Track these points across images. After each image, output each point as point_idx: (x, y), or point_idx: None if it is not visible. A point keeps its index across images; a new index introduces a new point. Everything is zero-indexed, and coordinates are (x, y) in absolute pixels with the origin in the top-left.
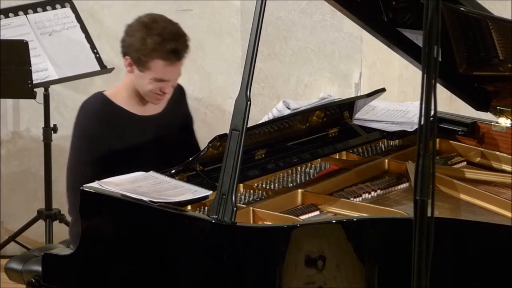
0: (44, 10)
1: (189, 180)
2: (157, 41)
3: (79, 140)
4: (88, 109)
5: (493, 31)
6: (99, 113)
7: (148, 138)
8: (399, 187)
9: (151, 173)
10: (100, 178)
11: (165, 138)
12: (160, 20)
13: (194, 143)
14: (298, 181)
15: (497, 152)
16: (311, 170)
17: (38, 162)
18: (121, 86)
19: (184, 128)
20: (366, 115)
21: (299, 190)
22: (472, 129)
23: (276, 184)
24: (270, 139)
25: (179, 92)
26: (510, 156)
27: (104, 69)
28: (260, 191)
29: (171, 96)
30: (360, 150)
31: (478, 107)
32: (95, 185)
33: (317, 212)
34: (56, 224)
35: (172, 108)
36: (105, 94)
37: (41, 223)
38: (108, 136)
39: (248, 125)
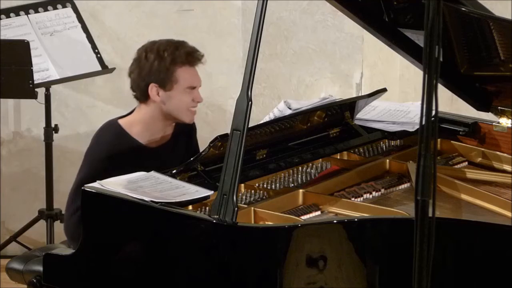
0: (45, 10)
1: (190, 180)
2: (173, 50)
3: (88, 166)
4: (102, 140)
5: (494, 31)
6: (112, 146)
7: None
8: (400, 187)
9: (152, 173)
10: None
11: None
12: (157, 40)
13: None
14: (299, 181)
15: (498, 152)
16: (312, 170)
17: (39, 162)
18: (136, 117)
19: (189, 142)
20: (367, 115)
21: (300, 190)
22: (473, 129)
23: (277, 184)
24: (271, 139)
25: (191, 128)
26: (511, 156)
27: (105, 69)
28: (261, 191)
29: (179, 128)
30: (361, 150)
31: (479, 107)
32: (96, 185)
33: (318, 212)
34: (57, 224)
35: (180, 132)
36: (122, 126)
37: (42, 223)
38: (118, 167)
39: (249, 125)
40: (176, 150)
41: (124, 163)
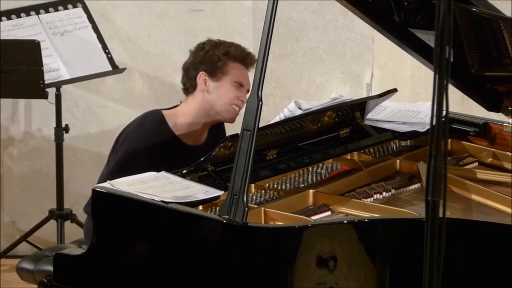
0: (56, 10)
1: (200, 180)
2: (230, 45)
3: (124, 153)
4: (142, 129)
5: (505, 31)
6: (152, 137)
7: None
8: (410, 187)
9: (163, 173)
10: None
11: None
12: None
13: None
14: (310, 181)
15: (508, 153)
16: (322, 171)
17: (50, 162)
18: (181, 110)
19: None
20: (377, 115)
21: (311, 191)
22: (484, 130)
23: (288, 185)
24: (281, 140)
25: (220, 124)
26: None
27: (115, 69)
28: (272, 191)
29: (211, 128)
30: (371, 150)
31: (489, 108)
32: (107, 185)
33: (329, 213)
34: (67, 224)
35: (214, 138)
36: (164, 117)
37: (52, 223)
38: (153, 161)
39: (260, 125)
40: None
41: (158, 153)
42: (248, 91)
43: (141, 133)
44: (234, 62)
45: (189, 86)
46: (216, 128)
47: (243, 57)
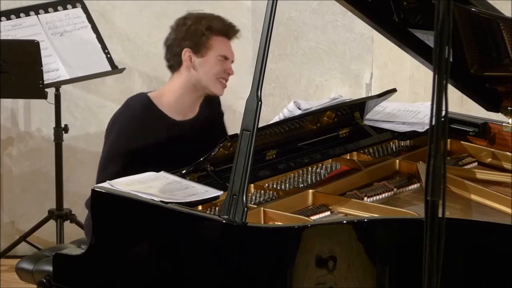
0: (55, 10)
1: (199, 180)
2: (211, 19)
3: (116, 137)
4: (130, 110)
5: (504, 31)
6: (140, 116)
7: (184, 142)
8: (410, 187)
9: (162, 173)
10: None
11: (199, 141)
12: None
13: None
14: (309, 181)
15: (508, 153)
16: (322, 171)
17: (49, 162)
18: (167, 88)
19: (217, 128)
20: (377, 115)
21: (310, 191)
22: (483, 130)
23: (287, 185)
24: (281, 140)
25: (218, 112)
26: None
27: (115, 69)
28: (271, 192)
29: (206, 107)
30: (371, 150)
31: (489, 108)
32: (106, 185)
33: (328, 213)
34: (67, 224)
35: (207, 110)
36: (150, 97)
37: (52, 223)
38: (145, 139)
39: (259, 126)
40: (200, 128)
41: (150, 132)
42: (232, 61)
43: (129, 116)
44: (218, 36)
45: (174, 63)
46: (209, 101)
47: (226, 30)
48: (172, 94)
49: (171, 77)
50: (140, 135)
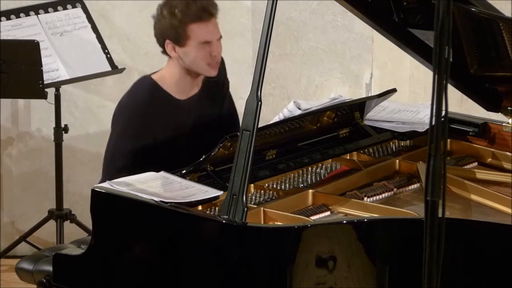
0: (55, 10)
1: (199, 180)
2: (183, 8)
3: (124, 124)
4: (137, 95)
5: (504, 31)
6: (147, 100)
7: (191, 123)
8: (410, 187)
9: (162, 173)
10: (140, 165)
11: (207, 120)
12: None
13: (233, 110)
14: (309, 181)
15: (508, 153)
16: (321, 171)
17: (49, 162)
18: (166, 71)
19: (224, 102)
20: (377, 115)
21: (310, 191)
22: (483, 130)
23: (287, 185)
24: (281, 140)
25: (222, 83)
26: None
27: (115, 69)
28: (271, 192)
29: (208, 82)
30: (371, 150)
31: (489, 108)
32: (106, 185)
33: (328, 213)
34: (67, 224)
35: (210, 90)
36: (154, 79)
37: (52, 223)
38: (153, 123)
39: (259, 126)
40: (206, 103)
41: (158, 116)
42: (221, 37)
43: (136, 101)
44: (193, 23)
45: (164, 52)
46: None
47: (199, 14)
48: (172, 78)
49: (168, 61)
50: (147, 121)
